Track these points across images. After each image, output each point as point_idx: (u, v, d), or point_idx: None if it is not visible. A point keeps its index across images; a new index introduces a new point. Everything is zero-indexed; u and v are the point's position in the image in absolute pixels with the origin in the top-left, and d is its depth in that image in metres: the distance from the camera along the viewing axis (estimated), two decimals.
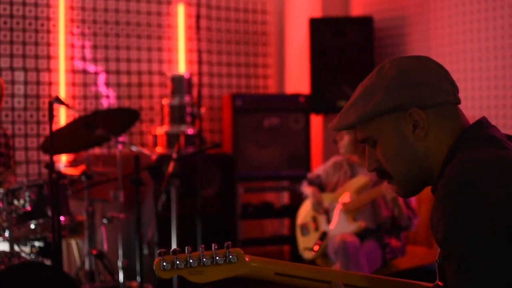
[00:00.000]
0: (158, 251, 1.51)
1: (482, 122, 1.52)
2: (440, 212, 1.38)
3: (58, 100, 3.65)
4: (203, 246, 1.52)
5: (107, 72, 5.54)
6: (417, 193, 1.57)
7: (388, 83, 1.52)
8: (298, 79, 6.07)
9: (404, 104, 1.51)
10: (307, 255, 4.24)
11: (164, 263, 1.50)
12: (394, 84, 1.52)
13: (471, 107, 4.94)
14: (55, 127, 3.89)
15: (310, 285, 1.56)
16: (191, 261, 1.50)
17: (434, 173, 1.51)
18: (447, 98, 1.52)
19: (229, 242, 1.53)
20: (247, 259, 1.54)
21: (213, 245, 1.52)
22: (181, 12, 5.82)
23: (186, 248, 1.52)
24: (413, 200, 4.10)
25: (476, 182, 1.36)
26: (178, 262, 1.50)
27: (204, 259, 1.51)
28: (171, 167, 4.18)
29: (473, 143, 1.47)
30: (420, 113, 1.50)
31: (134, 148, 4.19)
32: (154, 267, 1.51)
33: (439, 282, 1.57)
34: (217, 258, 1.51)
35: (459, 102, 1.55)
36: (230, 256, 1.52)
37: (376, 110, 1.52)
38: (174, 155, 4.18)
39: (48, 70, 5.30)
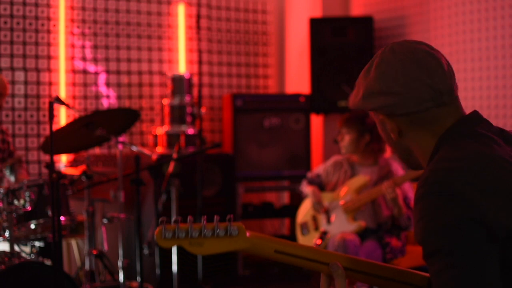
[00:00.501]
0: (160, 219, 1.50)
1: (470, 118, 1.53)
2: (419, 212, 1.41)
3: (58, 100, 3.65)
4: (205, 217, 1.51)
5: (108, 72, 5.54)
6: (419, 169, 1.62)
7: (368, 83, 1.57)
8: (298, 79, 6.07)
9: (376, 109, 1.56)
10: None
11: (166, 232, 1.49)
12: (371, 86, 1.56)
13: (471, 107, 4.92)
14: (55, 127, 3.89)
15: (309, 265, 1.57)
16: (192, 231, 1.49)
17: (424, 166, 1.55)
18: (420, 106, 1.51)
19: (231, 215, 1.53)
20: (248, 234, 1.53)
21: (215, 216, 1.52)
22: (181, 12, 5.82)
23: (188, 218, 1.51)
24: (413, 200, 4.10)
25: (452, 182, 1.37)
26: (179, 231, 1.49)
27: (205, 231, 1.49)
28: (171, 167, 4.19)
29: (455, 141, 1.48)
30: (387, 121, 1.56)
31: (134, 148, 4.19)
32: (155, 236, 1.50)
33: None
34: (218, 230, 1.50)
35: (442, 104, 1.52)
36: (232, 229, 1.51)
37: (360, 106, 1.59)
38: (174, 155, 4.19)
39: (49, 70, 5.30)
